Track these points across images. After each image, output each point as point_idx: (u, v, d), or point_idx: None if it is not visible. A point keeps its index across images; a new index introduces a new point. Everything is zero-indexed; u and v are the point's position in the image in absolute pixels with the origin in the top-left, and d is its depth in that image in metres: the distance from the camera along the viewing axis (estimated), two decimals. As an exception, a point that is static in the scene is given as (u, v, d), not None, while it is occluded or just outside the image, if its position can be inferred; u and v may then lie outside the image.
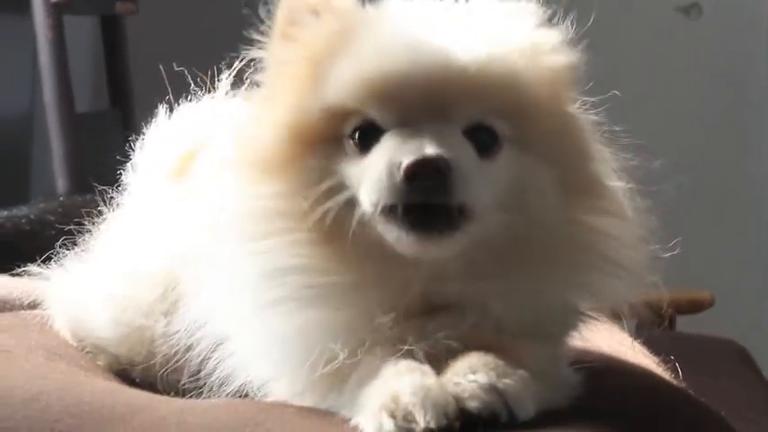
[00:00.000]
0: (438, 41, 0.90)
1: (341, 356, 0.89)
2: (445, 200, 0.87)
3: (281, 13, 0.96)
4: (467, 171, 0.87)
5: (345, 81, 0.90)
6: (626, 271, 0.95)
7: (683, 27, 3.18)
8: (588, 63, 0.96)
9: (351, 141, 0.91)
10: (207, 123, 1.15)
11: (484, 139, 0.90)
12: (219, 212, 0.95)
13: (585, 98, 0.97)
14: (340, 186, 0.90)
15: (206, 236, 0.97)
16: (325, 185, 0.90)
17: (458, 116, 0.90)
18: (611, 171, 0.96)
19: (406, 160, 0.86)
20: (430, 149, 0.86)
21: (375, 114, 0.90)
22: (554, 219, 0.92)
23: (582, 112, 0.97)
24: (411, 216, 0.87)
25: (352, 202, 0.89)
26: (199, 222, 0.99)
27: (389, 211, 0.87)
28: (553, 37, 0.95)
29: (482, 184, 0.88)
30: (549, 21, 0.96)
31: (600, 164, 0.96)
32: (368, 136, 0.90)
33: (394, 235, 0.88)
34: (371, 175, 0.88)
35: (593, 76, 0.97)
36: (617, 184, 0.96)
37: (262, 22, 0.97)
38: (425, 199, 0.87)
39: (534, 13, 0.96)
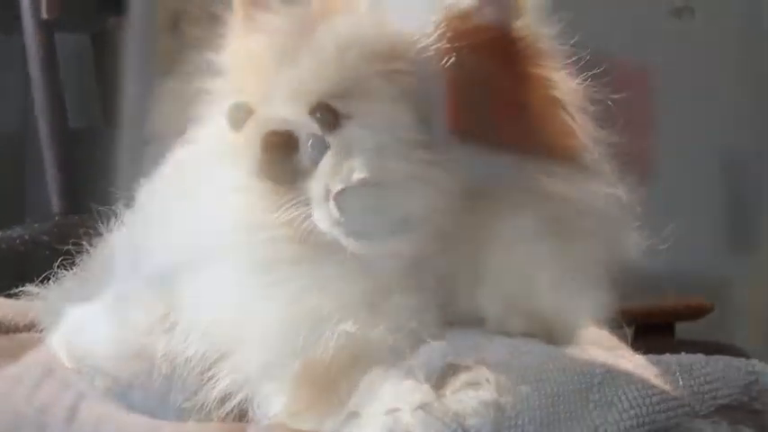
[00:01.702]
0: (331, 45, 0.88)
1: (352, 330, 0.89)
2: (378, 221, 0.87)
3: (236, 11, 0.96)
4: (395, 188, 0.87)
5: (282, 94, 0.90)
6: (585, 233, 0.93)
7: (675, 29, 3.19)
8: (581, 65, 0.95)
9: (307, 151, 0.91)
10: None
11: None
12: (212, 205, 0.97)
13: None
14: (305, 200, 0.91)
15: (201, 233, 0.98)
16: (290, 196, 0.91)
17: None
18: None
19: (334, 190, 0.87)
20: (357, 174, 0.86)
21: (316, 129, 0.90)
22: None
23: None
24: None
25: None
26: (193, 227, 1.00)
27: None
28: None
29: (420, 194, 0.88)
30: None
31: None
32: (318, 147, 0.90)
33: (345, 243, 0.89)
34: (313, 199, 0.89)
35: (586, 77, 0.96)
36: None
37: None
38: (359, 227, 0.88)
39: None
